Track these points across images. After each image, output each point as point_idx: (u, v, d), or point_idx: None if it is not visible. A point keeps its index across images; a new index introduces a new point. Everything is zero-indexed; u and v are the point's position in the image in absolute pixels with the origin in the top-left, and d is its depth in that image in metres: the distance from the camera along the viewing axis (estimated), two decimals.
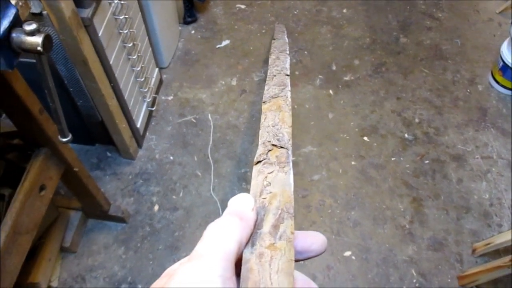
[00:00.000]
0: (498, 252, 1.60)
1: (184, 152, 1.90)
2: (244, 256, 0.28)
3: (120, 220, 1.67)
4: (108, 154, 1.88)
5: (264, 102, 0.46)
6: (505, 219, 1.74)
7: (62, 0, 1.10)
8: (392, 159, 1.90)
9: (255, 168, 0.35)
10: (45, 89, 0.70)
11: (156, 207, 1.74)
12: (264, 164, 0.35)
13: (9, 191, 1.16)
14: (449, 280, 1.60)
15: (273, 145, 0.37)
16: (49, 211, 1.37)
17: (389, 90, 2.15)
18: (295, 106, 2.06)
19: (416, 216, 1.74)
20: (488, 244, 1.57)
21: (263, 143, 0.38)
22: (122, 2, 1.45)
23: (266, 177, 0.34)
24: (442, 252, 1.66)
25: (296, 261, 0.31)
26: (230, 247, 0.27)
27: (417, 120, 2.04)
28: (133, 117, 1.74)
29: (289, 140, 0.39)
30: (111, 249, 1.64)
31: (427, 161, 1.90)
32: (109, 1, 1.38)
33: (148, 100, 1.88)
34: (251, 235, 0.29)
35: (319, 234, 0.33)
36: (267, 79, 0.51)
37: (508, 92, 2.13)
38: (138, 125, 1.82)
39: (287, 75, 0.52)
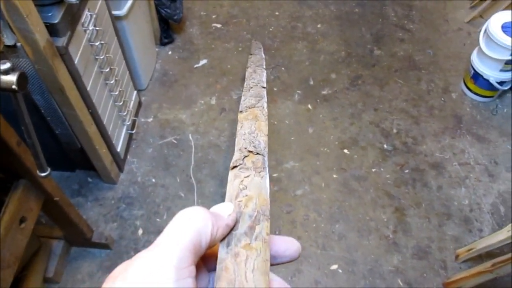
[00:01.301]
0: (480, 257, 1.63)
1: (166, 174, 1.89)
2: (219, 255, 0.29)
3: (104, 246, 1.65)
4: (89, 179, 1.86)
5: (240, 111, 0.46)
6: (485, 223, 1.78)
7: (37, 31, 1.10)
8: (373, 170, 1.93)
9: (231, 173, 0.36)
10: (22, 125, 0.70)
11: (141, 231, 1.72)
12: (240, 168, 0.35)
13: None
14: None
15: (249, 151, 0.37)
16: (31, 242, 1.34)
17: (366, 102, 2.19)
18: (275, 122, 2.08)
19: (399, 225, 1.77)
20: (471, 249, 1.59)
21: (240, 149, 0.38)
22: (97, 28, 1.45)
23: (242, 180, 0.34)
24: (426, 260, 1.68)
25: (270, 265, 0.31)
26: (187, 237, 0.26)
27: (395, 131, 2.07)
28: (113, 141, 1.73)
29: (265, 147, 0.39)
30: (96, 277, 1.61)
31: (407, 171, 1.93)
32: (84, 28, 1.38)
33: (128, 123, 1.87)
34: (226, 236, 0.29)
35: (293, 240, 0.33)
36: (244, 90, 0.52)
37: (481, 99, 2.19)
38: (119, 149, 1.81)
39: (264, 87, 0.53)
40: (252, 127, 0.42)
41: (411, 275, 1.64)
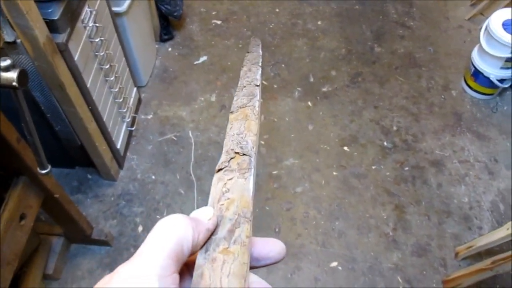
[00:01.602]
0: (480, 255, 1.64)
1: (166, 171, 1.89)
2: (197, 262, 0.28)
3: (104, 243, 1.65)
4: (89, 176, 1.86)
5: (231, 112, 0.46)
6: (485, 221, 1.78)
7: (36, 27, 1.10)
8: (373, 167, 1.93)
9: (216, 176, 0.35)
10: (22, 122, 0.70)
11: (140, 228, 1.72)
12: (225, 171, 0.35)
13: None
14: (434, 285, 1.62)
15: (236, 152, 0.37)
16: (30, 238, 1.34)
17: (366, 99, 2.19)
18: (275, 119, 2.08)
19: (399, 223, 1.77)
20: (470, 247, 1.60)
21: (226, 151, 0.38)
22: (97, 24, 1.44)
23: (225, 183, 0.34)
24: (426, 258, 1.68)
25: (254, 267, 0.31)
26: (169, 245, 0.27)
27: (395, 128, 2.07)
28: (113, 138, 1.73)
29: (253, 147, 0.38)
30: (96, 273, 1.61)
31: (407, 168, 1.93)
32: (84, 24, 1.38)
33: (128, 120, 1.87)
34: (206, 241, 0.29)
35: (278, 241, 0.33)
36: (237, 90, 0.51)
37: (481, 96, 2.19)
38: (118, 146, 1.80)
39: (257, 85, 0.52)
40: (241, 128, 0.41)
41: (411, 273, 1.64)
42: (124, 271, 0.26)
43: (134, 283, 0.25)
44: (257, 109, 0.45)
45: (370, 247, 1.70)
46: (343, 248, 1.70)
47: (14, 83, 0.59)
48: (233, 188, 0.33)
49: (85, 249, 1.67)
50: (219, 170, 0.36)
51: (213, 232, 0.30)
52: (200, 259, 0.28)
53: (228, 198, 0.32)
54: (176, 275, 0.26)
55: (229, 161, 0.36)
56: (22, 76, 0.61)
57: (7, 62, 0.60)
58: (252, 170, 0.35)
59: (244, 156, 0.37)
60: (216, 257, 0.28)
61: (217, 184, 0.34)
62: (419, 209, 1.81)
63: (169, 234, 0.27)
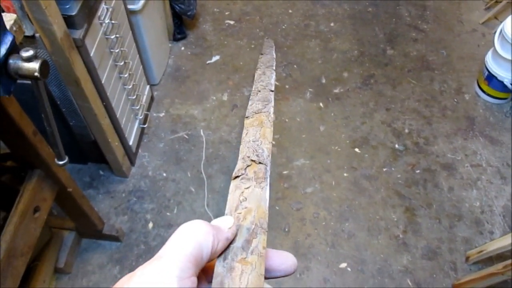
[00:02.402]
0: (491, 259, 1.62)
1: (177, 169, 1.90)
2: (215, 270, 0.29)
3: (115, 239, 1.66)
4: (101, 172, 1.87)
5: (247, 117, 0.47)
6: (497, 226, 1.77)
7: (54, 22, 1.11)
8: (384, 169, 1.92)
9: (233, 183, 0.36)
10: (42, 113, 0.71)
11: (151, 225, 1.73)
12: (242, 179, 0.36)
13: (3, 214, 1.16)
14: None
15: (252, 160, 0.38)
16: (43, 232, 1.36)
17: (378, 101, 2.18)
18: (286, 120, 2.08)
19: (409, 225, 1.76)
20: (481, 251, 1.58)
21: (243, 158, 0.39)
22: (113, 22, 1.46)
23: (242, 192, 0.34)
24: (436, 261, 1.67)
25: (264, 279, 0.31)
26: (189, 249, 0.27)
27: (407, 131, 2.06)
28: (126, 135, 1.75)
29: (269, 156, 0.39)
30: (106, 268, 1.63)
31: (418, 171, 1.92)
32: (100, 21, 1.39)
33: (140, 117, 1.88)
34: (224, 250, 0.30)
35: (290, 255, 0.34)
36: (252, 94, 0.52)
37: (494, 101, 2.17)
38: (131, 143, 1.82)
39: (272, 91, 0.53)
40: (257, 134, 0.42)
41: (421, 276, 1.63)
42: (144, 271, 0.26)
43: (154, 283, 0.25)
44: (272, 115, 0.46)
45: (380, 249, 1.70)
46: (353, 249, 1.69)
47: (36, 74, 0.60)
48: (250, 197, 0.34)
49: (96, 244, 1.68)
50: (236, 177, 0.36)
51: (231, 241, 0.31)
52: (219, 267, 0.29)
53: (246, 207, 0.33)
54: (195, 278, 0.27)
55: (245, 169, 0.37)
56: (44, 66, 0.62)
57: (30, 52, 0.61)
58: (268, 179, 0.36)
59: (260, 164, 0.37)
60: (234, 266, 0.29)
61: (234, 192, 0.35)
62: (430, 212, 1.80)
63: (190, 239, 0.28)
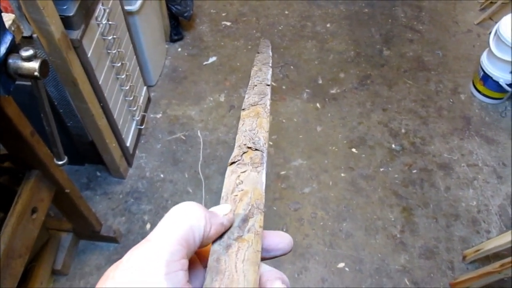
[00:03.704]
0: (488, 258, 1.63)
1: (175, 169, 1.90)
2: (212, 248, 0.29)
3: (112, 240, 1.66)
4: (98, 173, 1.87)
5: (243, 109, 0.47)
6: (493, 225, 1.78)
7: (52, 23, 1.11)
8: (381, 169, 1.93)
9: (229, 169, 0.36)
10: (41, 113, 0.71)
11: (148, 226, 1.73)
12: (238, 164, 0.36)
13: (1, 215, 1.15)
14: None
15: (249, 147, 0.38)
16: (40, 233, 1.35)
17: (375, 102, 2.19)
18: (283, 120, 2.08)
19: (406, 225, 1.76)
20: (478, 250, 1.59)
21: (239, 145, 0.39)
22: (110, 22, 1.46)
23: (238, 176, 0.35)
24: (433, 260, 1.68)
25: (264, 258, 0.31)
26: (179, 232, 0.27)
27: (403, 131, 2.07)
28: (123, 136, 1.74)
29: (265, 144, 0.40)
30: (104, 270, 1.61)
31: (415, 171, 1.93)
32: (98, 22, 1.39)
33: (137, 118, 1.88)
34: (221, 234, 0.30)
35: (285, 234, 0.34)
36: (248, 88, 0.53)
37: (489, 101, 2.19)
38: (128, 144, 1.82)
39: (268, 85, 0.53)
40: (253, 124, 0.42)
41: (418, 275, 1.64)
42: (132, 256, 0.26)
43: (141, 268, 0.25)
44: (268, 107, 0.47)
45: (377, 248, 1.70)
46: (351, 249, 1.70)
47: (36, 73, 0.60)
48: (246, 180, 0.34)
49: (94, 245, 1.68)
50: (232, 163, 0.37)
51: (228, 229, 0.31)
52: (215, 245, 0.29)
53: (242, 190, 0.33)
54: (185, 261, 0.27)
55: (242, 155, 0.37)
56: (44, 66, 0.62)
57: (30, 52, 0.61)
58: (264, 164, 0.36)
59: (257, 151, 0.38)
60: (231, 244, 0.29)
61: (230, 176, 0.35)
62: (427, 211, 1.80)
63: (181, 221, 0.28)
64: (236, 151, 0.38)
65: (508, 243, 1.45)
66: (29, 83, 0.74)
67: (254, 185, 0.34)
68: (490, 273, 1.45)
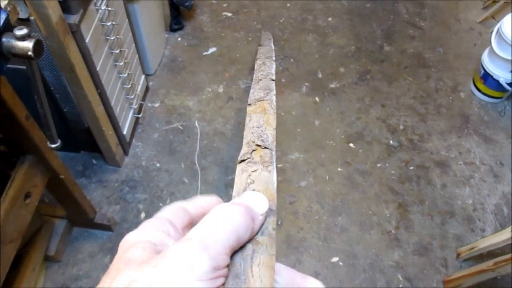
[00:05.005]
0: (482, 256, 1.63)
1: (171, 159, 1.89)
2: None
3: (106, 228, 1.65)
4: (94, 161, 1.86)
5: (249, 104, 0.46)
6: (488, 223, 1.78)
7: (50, 6, 1.09)
8: (378, 165, 1.92)
9: (239, 167, 0.36)
10: (35, 94, 0.69)
11: (143, 215, 1.72)
12: (248, 163, 0.36)
13: None
14: (434, 285, 1.61)
15: (258, 145, 0.38)
16: (34, 219, 1.34)
17: (374, 97, 2.18)
18: (282, 113, 2.07)
19: (401, 221, 1.76)
20: (472, 248, 1.59)
21: (247, 143, 0.38)
22: (109, 8, 1.44)
23: (250, 175, 0.34)
24: (427, 257, 1.68)
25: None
26: (228, 240, 0.26)
27: (401, 127, 2.07)
28: (120, 124, 1.73)
29: (273, 141, 0.39)
30: (97, 257, 1.62)
31: (411, 167, 1.93)
32: (97, 7, 1.38)
33: (135, 107, 1.87)
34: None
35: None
36: (253, 82, 0.52)
37: (489, 99, 2.18)
38: (125, 132, 1.80)
39: (273, 80, 0.53)
40: (261, 121, 0.42)
41: (411, 271, 1.64)
42: (169, 252, 0.24)
43: (182, 267, 0.24)
44: (274, 103, 0.47)
45: (371, 244, 1.70)
46: (345, 243, 1.69)
47: (29, 53, 0.59)
48: (257, 180, 0.34)
49: (87, 233, 1.67)
50: (242, 161, 0.36)
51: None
52: None
53: (254, 190, 0.33)
54: (227, 269, 0.26)
55: (251, 153, 0.37)
56: (38, 46, 0.61)
57: (23, 31, 0.59)
58: (274, 164, 0.36)
59: (266, 149, 0.37)
60: (246, 246, 0.28)
61: (241, 174, 0.35)
62: (423, 208, 1.80)
63: (230, 229, 0.26)
64: (245, 149, 0.38)
65: (502, 242, 1.45)
66: (25, 67, 0.73)
67: (265, 185, 0.33)
68: (483, 271, 1.45)
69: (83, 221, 1.61)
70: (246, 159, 0.36)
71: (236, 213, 0.27)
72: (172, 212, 0.30)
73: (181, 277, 0.23)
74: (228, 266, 0.26)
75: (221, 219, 0.27)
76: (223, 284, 0.25)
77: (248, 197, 0.30)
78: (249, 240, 0.28)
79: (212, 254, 0.24)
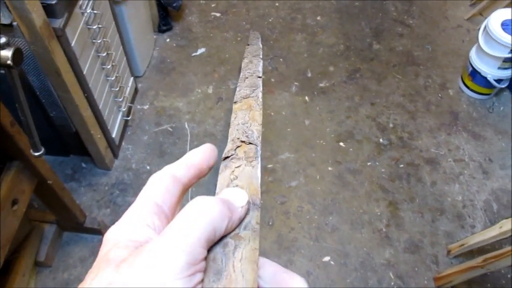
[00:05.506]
0: (472, 253, 1.64)
1: (161, 161, 1.88)
2: None
3: (97, 232, 1.64)
4: (83, 165, 1.85)
5: (235, 102, 0.46)
6: (478, 220, 1.79)
7: (33, 10, 1.08)
8: (368, 163, 1.93)
9: (223, 163, 0.35)
10: (16, 102, 0.69)
11: None
12: (232, 159, 0.35)
13: None
14: (425, 282, 1.62)
15: (242, 141, 0.37)
16: (23, 225, 1.33)
17: (363, 96, 2.19)
18: (272, 113, 2.07)
19: (392, 219, 1.77)
20: (462, 245, 1.60)
21: (232, 140, 0.38)
22: (95, 11, 1.43)
23: (233, 171, 0.34)
24: (418, 254, 1.69)
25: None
26: (203, 232, 0.25)
27: (391, 125, 2.07)
28: (109, 127, 1.72)
29: (259, 137, 0.39)
30: (88, 262, 1.61)
31: (402, 165, 1.93)
32: (82, 10, 1.37)
33: (124, 109, 1.86)
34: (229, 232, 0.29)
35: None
36: (239, 81, 0.52)
37: (477, 96, 2.20)
38: (114, 135, 1.79)
39: (259, 77, 0.52)
40: (246, 117, 0.41)
41: (403, 269, 1.65)
42: (142, 252, 0.24)
43: (155, 266, 0.23)
44: (260, 100, 0.46)
45: (363, 242, 1.70)
46: (336, 243, 1.70)
47: (9, 62, 0.59)
48: (241, 175, 0.33)
49: (78, 237, 1.66)
50: (226, 158, 0.36)
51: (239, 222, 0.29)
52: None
53: (237, 185, 0.32)
54: (205, 262, 0.25)
55: (235, 149, 0.36)
56: (17, 54, 0.60)
57: (2, 40, 0.59)
58: (259, 158, 0.36)
59: (250, 145, 0.37)
60: (227, 242, 0.27)
61: (224, 171, 0.34)
62: (413, 206, 1.81)
63: (204, 220, 0.25)
64: (229, 145, 0.37)
65: (492, 238, 1.46)
66: None
67: (249, 180, 0.33)
68: (473, 268, 1.46)
69: (73, 226, 1.60)
70: (230, 156, 0.36)
71: (211, 203, 0.27)
72: (161, 190, 0.30)
73: (157, 276, 0.23)
74: (205, 259, 0.25)
75: (195, 211, 0.26)
76: (202, 280, 0.25)
77: (226, 192, 0.30)
78: (232, 236, 0.28)
79: (186, 248, 0.24)
